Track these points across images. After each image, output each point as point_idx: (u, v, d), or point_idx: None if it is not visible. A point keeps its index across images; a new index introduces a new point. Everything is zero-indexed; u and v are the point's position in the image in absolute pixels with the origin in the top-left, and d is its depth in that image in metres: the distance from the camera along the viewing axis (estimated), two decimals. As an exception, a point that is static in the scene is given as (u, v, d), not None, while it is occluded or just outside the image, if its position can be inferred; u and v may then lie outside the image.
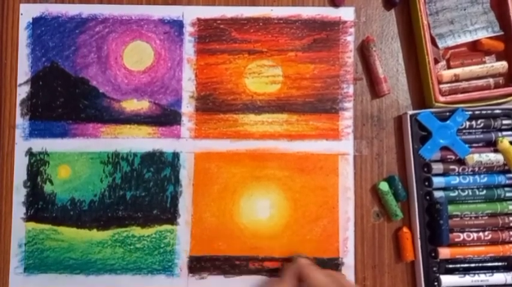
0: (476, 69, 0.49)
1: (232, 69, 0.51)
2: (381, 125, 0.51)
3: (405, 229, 0.49)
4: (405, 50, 0.51)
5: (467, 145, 0.48)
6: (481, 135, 0.49)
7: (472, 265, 0.49)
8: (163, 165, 0.50)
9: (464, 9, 0.50)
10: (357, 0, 0.51)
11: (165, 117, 0.51)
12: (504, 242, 0.49)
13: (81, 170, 0.50)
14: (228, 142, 0.51)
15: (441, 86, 0.49)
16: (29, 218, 0.50)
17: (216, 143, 0.51)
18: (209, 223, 0.50)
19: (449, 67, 0.50)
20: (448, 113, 0.49)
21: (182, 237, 0.50)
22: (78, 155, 0.50)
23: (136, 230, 0.50)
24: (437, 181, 0.49)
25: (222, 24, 0.51)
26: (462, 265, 0.49)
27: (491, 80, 0.50)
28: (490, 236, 0.48)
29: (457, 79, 0.50)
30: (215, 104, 0.51)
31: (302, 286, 0.46)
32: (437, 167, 0.49)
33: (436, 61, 0.50)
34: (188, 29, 0.51)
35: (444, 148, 0.49)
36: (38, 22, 0.51)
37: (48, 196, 0.50)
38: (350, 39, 0.51)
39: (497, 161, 0.48)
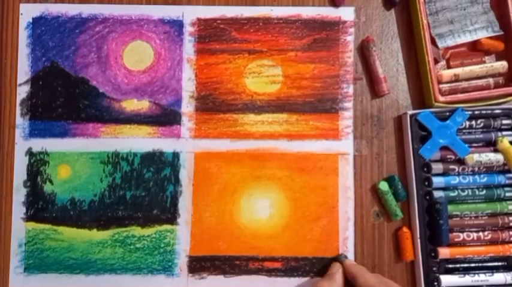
0: (476, 69, 0.49)
1: (232, 69, 0.51)
2: (381, 125, 0.51)
3: (405, 229, 0.49)
4: (405, 50, 0.51)
5: (467, 145, 0.48)
6: (481, 135, 0.49)
7: (472, 265, 0.49)
8: (163, 165, 0.50)
9: (464, 9, 0.50)
10: (356, 0, 0.51)
11: (165, 117, 0.51)
12: (504, 242, 0.49)
13: (81, 170, 0.50)
14: (228, 142, 0.51)
15: (441, 86, 0.49)
16: (29, 218, 0.50)
17: (216, 143, 0.51)
18: (209, 222, 0.50)
19: (449, 67, 0.50)
20: (447, 113, 0.49)
21: (182, 237, 0.50)
22: (78, 155, 0.50)
23: (136, 230, 0.50)
24: (437, 180, 0.49)
25: (222, 24, 0.51)
26: (462, 265, 0.49)
27: (491, 80, 0.50)
28: (489, 236, 0.48)
29: (456, 79, 0.50)
30: (215, 104, 0.51)
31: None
32: (437, 167, 0.49)
33: (436, 61, 0.50)
34: (188, 29, 0.51)
35: (444, 148, 0.49)
36: (38, 22, 0.51)
37: (48, 196, 0.50)
38: (350, 39, 0.51)
39: (497, 161, 0.48)
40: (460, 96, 0.49)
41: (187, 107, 0.51)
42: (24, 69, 0.51)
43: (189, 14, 0.51)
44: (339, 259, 0.49)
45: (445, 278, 0.48)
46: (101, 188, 0.50)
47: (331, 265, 0.48)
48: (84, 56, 0.51)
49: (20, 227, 0.50)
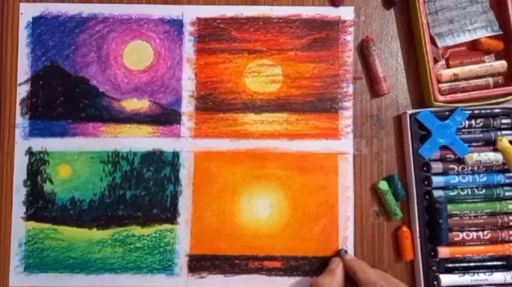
0: (475, 68, 0.49)
1: (232, 68, 0.51)
2: (381, 125, 0.51)
3: (405, 228, 0.49)
4: (405, 50, 0.51)
5: (466, 144, 0.49)
6: (481, 135, 0.49)
7: (472, 264, 0.49)
8: (163, 164, 0.50)
9: (464, 9, 0.50)
10: (356, 0, 0.52)
11: (165, 117, 0.51)
12: (503, 242, 0.49)
13: (81, 169, 0.50)
14: (227, 141, 0.51)
15: (440, 85, 0.49)
16: (29, 217, 0.50)
17: (216, 143, 0.51)
18: (209, 222, 0.50)
19: (448, 66, 0.50)
20: (447, 113, 0.49)
21: (182, 236, 0.50)
22: (78, 155, 0.50)
23: (136, 230, 0.50)
24: (437, 180, 0.49)
25: (222, 23, 0.51)
26: (461, 264, 0.49)
27: (490, 80, 0.50)
28: (489, 236, 0.48)
29: (456, 78, 0.50)
30: (215, 104, 0.51)
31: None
32: (437, 167, 0.49)
33: (436, 60, 0.50)
34: (188, 28, 0.51)
35: (443, 147, 0.49)
36: (38, 21, 0.51)
37: (48, 195, 0.50)
38: (350, 39, 0.51)
39: (497, 160, 0.48)
40: (460, 95, 0.49)
41: (187, 107, 0.51)
42: (24, 69, 0.51)
43: (189, 14, 0.51)
44: (339, 253, 0.49)
45: (444, 278, 0.48)
46: (100, 187, 0.50)
47: (331, 260, 0.49)
48: (84, 55, 0.51)
49: (20, 227, 0.50)
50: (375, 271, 0.46)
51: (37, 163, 0.50)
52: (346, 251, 0.49)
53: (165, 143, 0.51)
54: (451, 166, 0.49)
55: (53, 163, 0.50)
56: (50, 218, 0.50)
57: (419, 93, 0.51)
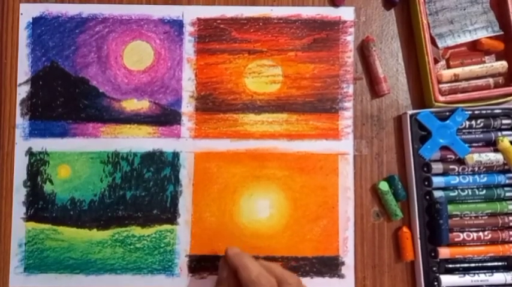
0: (476, 69, 0.49)
1: (232, 69, 0.51)
2: (381, 125, 0.51)
3: (405, 229, 0.49)
4: (405, 50, 0.51)
5: (467, 145, 0.48)
6: (481, 135, 0.49)
7: (472, 264, 0.49)
8: (163, 165, 0.50)
9: (464, 9, 0.50)
10: (356, 0, 0.51)
11: (165, 117, 0.51)
12: (504, 242, 0.49)
13: (81, 169, 0.50)
14: (228, 142, 0.51)
15: (441, 85, 0.49)
16: (29, 218, 0.50)
17: (216, 143, 0.51)
18: (209, 222, 0.50)
19: (449, 67, 0.50)
20: (447, 113, 0.49)
21: (182, 237, 0.50)
22: (78, 155, 0.50)
23: (136, 230, 0.50)
24: (437, 180, 0.49)
25: (222, 24, 0.51)
26: (462, 265, 0.49)
27: (490, 80, 0.50)
28: (489, 236, 0.48)
29: (456, 79, 0.50)
30: (215, 104, 0.51)
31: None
32: (437, 167, 0.49)
33: (436, 61, 0.50)
34: (188, 29, 0.51)
35: (444, 148, 0.49)
36: (38, 22, 0.51)
37: (48, 196, 0.50)
38: (350, 39, 0.51)
39: (497, 160, 0.48)
40: (460, 96, 0.49)
41: (187, 107, 0.51)
42: (24, 69, 0.51)
43: (189, 14, 0.51)
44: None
45: (445, 278, 0.48)
46: (101, 188, 0.50)
47: (220, 266, 0.45)
48: (84, 56, 0.51)
49: (20, 227, 0.50)
50: (259, 266, 0.42)
51: (37, 164, 0.50)
52: (231, 247, 0.44)
53: (165, 144, 0.51)
54: (452, 167, 0.49)
55: (53, 163, 0.50)
56: (50, 219, 0.50)
57: (420, 93, 0.51)
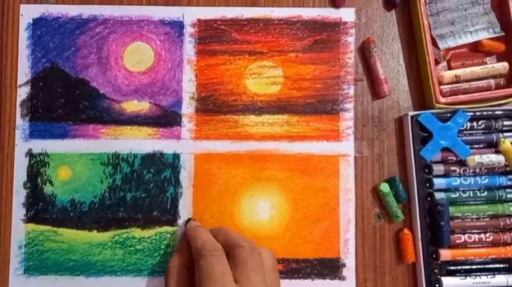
0: (477, 70, 0.49)
1: (232, 70, 0.51)
2: (382, 126, 0.51)
3: (406, 231, 0.49)
4: (406, 51, 0.51)
5: (468, 146, 0.48)
6: (482, 137, 0.49)
7: (474, 266, 0.49)
8: (163, 166, 0.50)
9: (465, 10, 0.50)
10: (357, 1, 0.51)
11: (166, 119, 0.51)
12: (506, 244, 0.48)
13: (81, 171, 0.50)
14: (228, 143, 0.50)
15: (442, 87, 0.49)
16: (29, 219, 0.50)
17: (216, 144, 0.50)
18: (209, 224, 0.50)
19: (450, 68, 0.50)
20: (449, 114, 0.49)
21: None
22: (78, 156, 0.50)
23: (137, 232, 0.50)
24: (438, 182, 0.48)
25: (223, 25, 0.51)
26: (463, 267, 0.49)
27: (492, 81, 0.50)
28: (491, 238, 0.48)
29: (457, 80, 0.49)
30: (215, 105, 0.51)
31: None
32: (438, 169, 0.49)
33: (437, 62, 0.50)
34: (188, 30, 0.51)
35: (445, 149, 0.49)
36: (38, 23, 0.51)
37: (48, 197, 0.50)
38: (351, 40, 0.51)
39: (499, 162, 0.48)
40: (461, 97, 0.49)
41: (187, 108, 0.51)
42: (24, 71, 0.51)
43: (190, 15, 0.51)
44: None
45: (446, 280, 0.48)
46: (101, 189, 0.50)
47: (180, 237, 0.46)
48: (84, 57, 0.51)
49: (19, 229, 0.50)
50: (208, 235, 0.42)
51: (37, 165, 0.50)
52: (191, 219, 0.45)
53: (165, 145, 0.50)
54: (453, 168, 0.49)
55: (53, 164, 0.50)
56: (50, 220, 0.50)
57: (421, 95, 0.51)
